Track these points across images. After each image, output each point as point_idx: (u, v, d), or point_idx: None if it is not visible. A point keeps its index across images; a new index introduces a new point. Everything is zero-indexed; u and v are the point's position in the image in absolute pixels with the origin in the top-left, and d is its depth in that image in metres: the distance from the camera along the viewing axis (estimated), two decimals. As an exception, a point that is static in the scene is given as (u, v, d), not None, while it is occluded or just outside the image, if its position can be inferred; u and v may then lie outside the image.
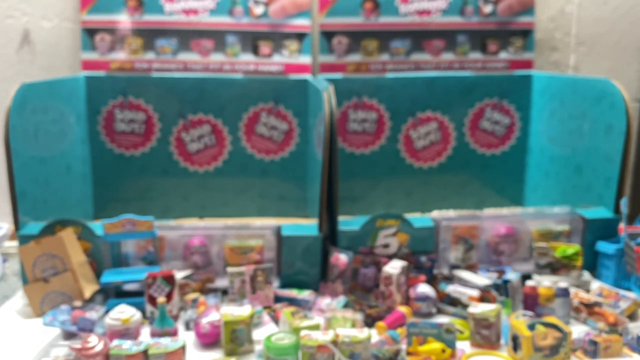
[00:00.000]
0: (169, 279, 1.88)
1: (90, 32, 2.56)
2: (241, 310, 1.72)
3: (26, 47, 2.63)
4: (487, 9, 2.68)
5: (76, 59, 2.63)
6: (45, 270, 1.93)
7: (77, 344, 1.57)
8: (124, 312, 1.74)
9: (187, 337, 1.73)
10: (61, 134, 2.35)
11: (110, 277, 1.97)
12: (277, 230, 2.10)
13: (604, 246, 2.14)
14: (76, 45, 2.62)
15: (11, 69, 2.65)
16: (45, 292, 1.91)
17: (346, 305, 1.97)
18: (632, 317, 1.90)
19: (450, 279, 2.06)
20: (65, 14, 2.62)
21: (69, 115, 2.42)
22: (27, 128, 2.08)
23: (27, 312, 1.94)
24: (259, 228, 2.12)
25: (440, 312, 1.98)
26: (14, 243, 2.35)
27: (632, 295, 1.94)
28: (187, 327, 1.85)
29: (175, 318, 1.89)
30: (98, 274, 2.03)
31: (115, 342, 1.59)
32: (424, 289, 1.96)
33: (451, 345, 1.65)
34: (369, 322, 1.87)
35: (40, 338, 1.73)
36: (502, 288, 1.95)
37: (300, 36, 2.64)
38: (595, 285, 2.06)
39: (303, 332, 1.61)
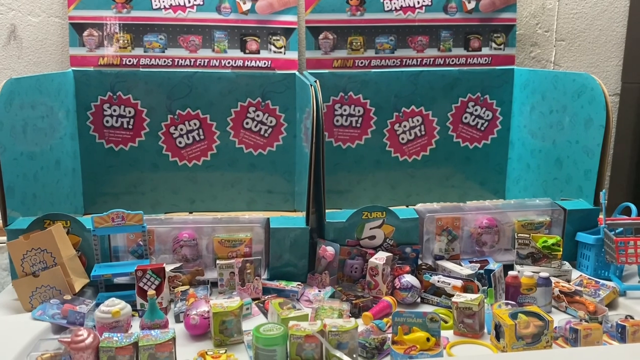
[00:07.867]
0: (159, 272, 1.90)
1: (78, 28, 2.56)
2: (230, 302, 1.75)
3: (13, 42, 2.62)
4: (470, 5, 2.72)
5: (64, 54, 2.62)
6: (35, 265, 1.92)
7: (67, 337, 1.56)
8: (114, 305, 1.74)
9: (177, 329, 1.74)
10: (50, 129, 2.35)
11: (100, 270, 1.98)
12: (266, 224, 2.12)
13: (583, 237, 2.18)
14: (64, 41, 2.62)
15: (-2, 65, 2.64)
16: (35, 287, 1.90)
17: (333, 296, 1.99)
18: (611, 305, 1.94)
19: (434, 270, 2.10)
20: (52, 10, 2.61)
21: (57, 111, 2.42)
22: (15, 123, 2.08)
23: (16, 307, 1.93)
24: (248, 221, 2.14)
25: (424, 301, 2.02)
26: (3, 238, 2.35)
27: (611, 284, 1.99)
28: (177, 319, 1.87)
29: (165, 310, 1.90)
30: (88, 268, 2.03)
31: (106, 334, 1.59)
32: (408, 279, 2.00)
33: (435, 334, 1.67)
34: (356, 312, 1.90)
35: (29, 332, 1.72)
36: (484, 278, 1.99)
37: (287, 32, 2.66)
38: (576, 274, 2.11)
39: (291, 323, 1.63)
